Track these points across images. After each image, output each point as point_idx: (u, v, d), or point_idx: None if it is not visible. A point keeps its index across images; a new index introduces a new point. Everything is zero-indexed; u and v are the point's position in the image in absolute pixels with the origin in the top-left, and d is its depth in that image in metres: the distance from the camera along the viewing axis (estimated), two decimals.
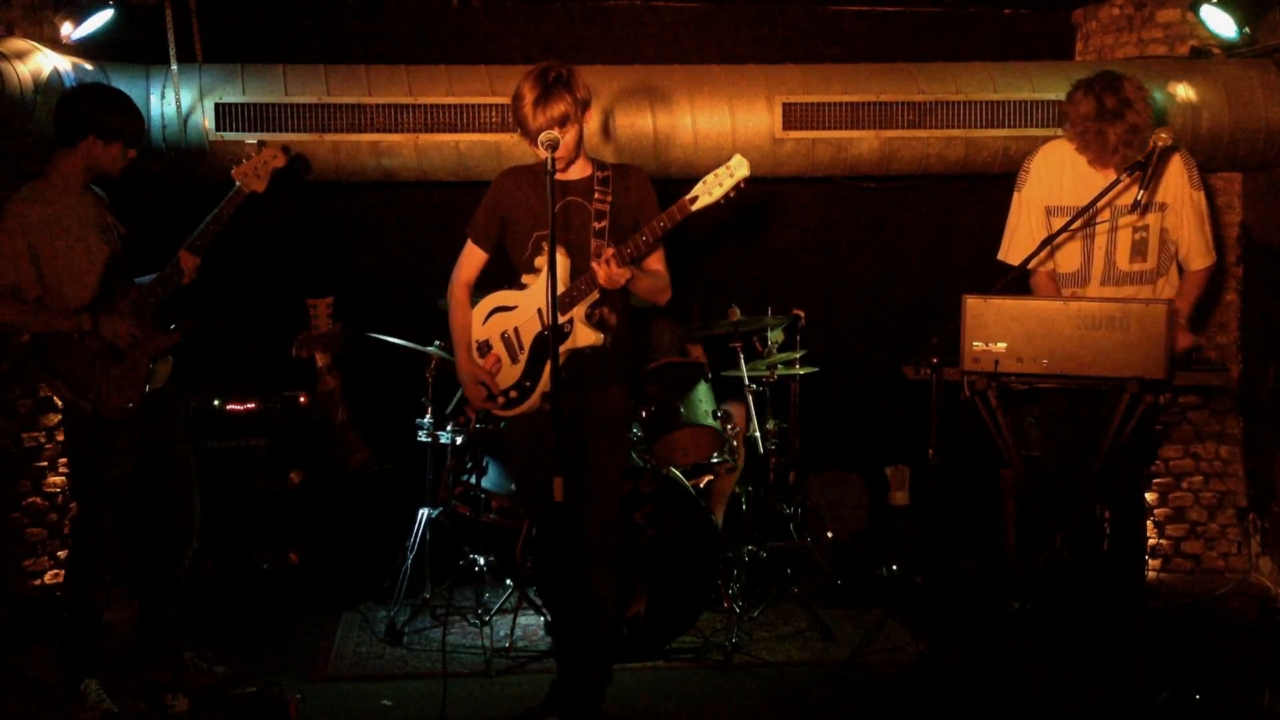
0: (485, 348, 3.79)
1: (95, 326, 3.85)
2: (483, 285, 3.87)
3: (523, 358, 3.73)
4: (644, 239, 3.58)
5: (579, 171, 3.72)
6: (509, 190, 3.76)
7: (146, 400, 3.98)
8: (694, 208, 3.57)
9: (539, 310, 3.67)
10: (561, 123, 3.53)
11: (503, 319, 3.76)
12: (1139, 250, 4.09)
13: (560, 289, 3.55)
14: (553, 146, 3.42)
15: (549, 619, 4.61)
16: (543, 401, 3.68)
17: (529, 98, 3.54)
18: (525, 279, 3.74)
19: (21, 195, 3.88)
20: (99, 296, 3.91)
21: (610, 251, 3.54)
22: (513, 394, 3.74)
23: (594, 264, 3.56)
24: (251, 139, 4.88)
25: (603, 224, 3.66)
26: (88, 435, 3.94)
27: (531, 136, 3.56)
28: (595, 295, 3.64)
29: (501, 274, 3.86)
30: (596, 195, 3.68)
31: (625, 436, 3.93)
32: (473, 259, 3.82)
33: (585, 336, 3.66)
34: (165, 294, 4.01)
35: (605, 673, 3.83)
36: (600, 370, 3.72)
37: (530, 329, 3.71)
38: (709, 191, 3.58)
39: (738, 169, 3.58)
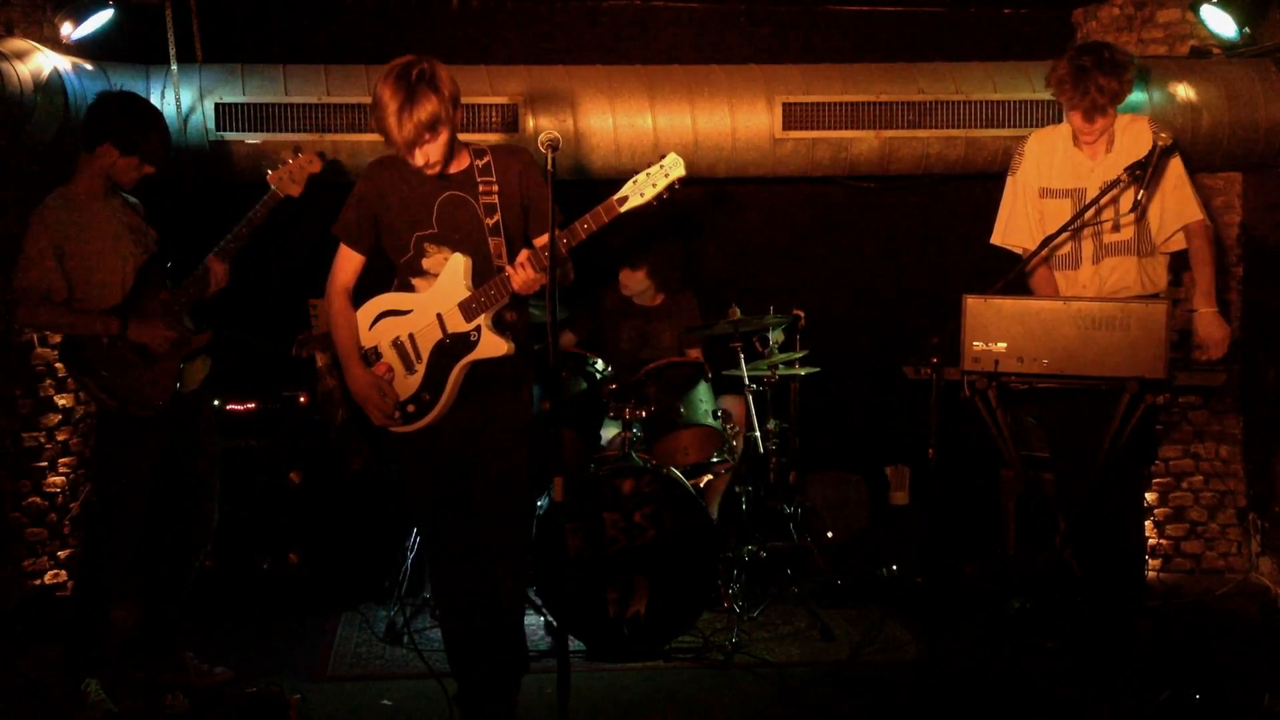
0: (374, 355, 3.50)
1: (124, 330, 3.88)
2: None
3: (420, 368, 3.46)
4: (565, 241, 3.28)
5: (456, 164, 3.43)
6: (379, 187, 3.46)
7: (177, 401, 4.01)
8: (622, 209, 3.28)
9: (439, 316, 3.42)
10: (431, 127, 3.22)
11: (393, 324, 3.49)
12: (1116, 225, 4.12)
13: (464, 294, 3.40)
14: (554, 146, 3.22)
15: (549, 619, 4.62)
16: (446, 414, 3.46)
17: (391, 105, 3.18)
18: (415, 282, 3.48)
19: (48, 201, 3.94)
20: (130, 299, 3.94)
21: (526, 255, 3.29)
22: (410, 408, 3.48)
23: (508, 269, 3.33)
24: (252, 139, 4.90)
25: (494, 218, 3.39)
26: (115, 431, 3.98)
27: (401, 148, 3.26)
28: (505, 301, 3.40)
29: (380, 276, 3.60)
30: (481, 187, 3.39)
31: (528, 442, 3.61)
32: (348, 262, 3.52)
33: (494, 346, 3.41)
34: (196, 297, 4.05)
35: (515, 683, 3.68)
36: (504, 375, 3.50)
37: (429, 336, 3.45)
38: (640, 192, 3.27)
39: (673, 168, 3.27)
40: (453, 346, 3.45)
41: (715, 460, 4.97)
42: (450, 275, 3.43)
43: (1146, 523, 5.51)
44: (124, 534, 3.99)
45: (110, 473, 4.04)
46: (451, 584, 3.64)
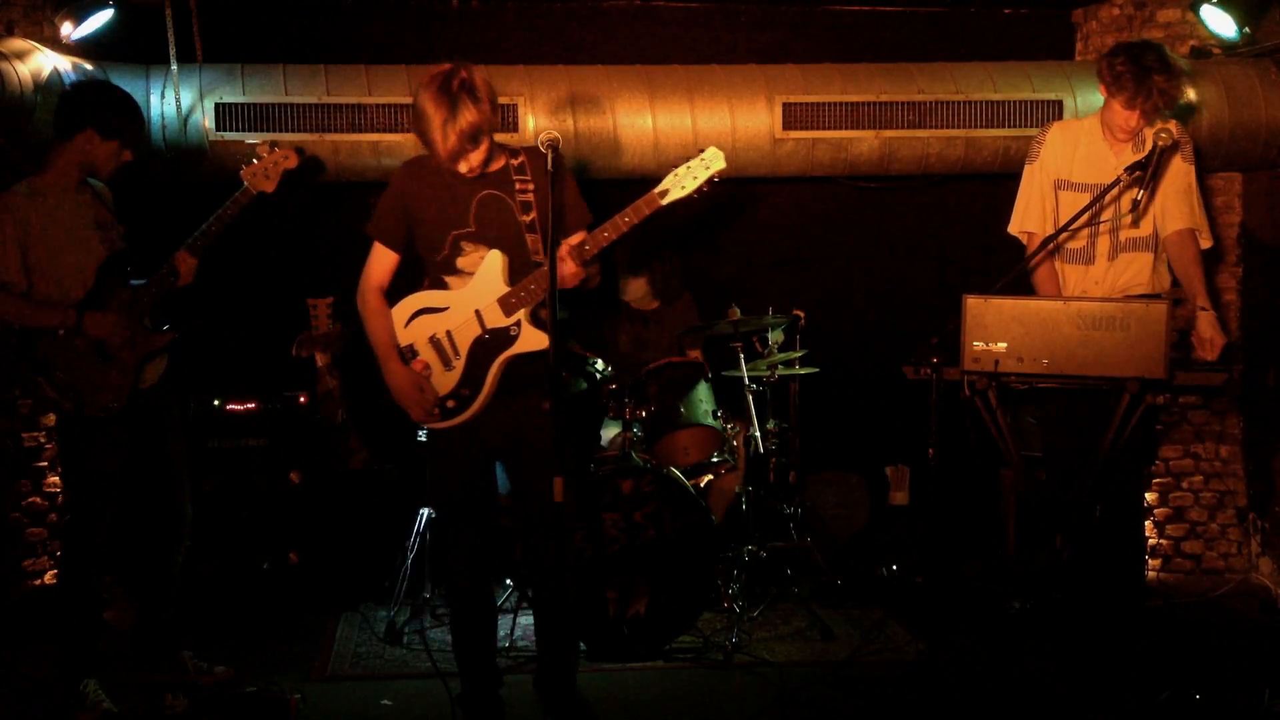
0: (410, 353, 3.53)
1: (79, 324, 3.84)
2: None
3: (458, 364, 3.50)
4: (605, 235, 3.34)
5: (493, 164, 3.47)
6: (414, 186, 3.51)
7: (136, 399, 3.98)
8: (664, 201, 3.34)
9: (478, 312, 3.46)
10: (474, 138, 3.27)
11: (429, 321, 3.52)
12: (1136, 221, 4.11)
13: (503, 290, 3.43)
14: (553, 146, 3.28)
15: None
16: (485, 409, 3.50)
17: (436, 119, 3.23)
18: (448, 280, 3.52)
19: (15, 189, 3.88)
20: (91, 295, 3.90)
21: (567, 248, 3.35)
22: (450, 403, 3.51)
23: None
24: (252, 139, 4.89)
25: (530, 216, 3.43)
26: (74, 433, 3.94)
27: (445, 159, 3.32)
28: (544, 295, 3.39)
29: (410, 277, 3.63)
30: (517, 185, 3.43)
31: (566, 431, 3.64)
32: (383, 262, 3.56)
33: (534, 340, 3.45)
34: (160, 294, 4.00)
35: (574, 657, 3.77)
36: (539, 371, 3.46)
37: (468, 333, 3.49)
38: (681, 185, 3.33)
39: (713, 161, 3.33)
40: (492, 341, 3.48)
41: (715, 460, 4.96)
42: (487, 272, 3.46)
43: (1146, 523, 5.51)
44: (95, 534, 3.95)
45: (75, 475, 4.00)
46: (466, 580, 3.67)
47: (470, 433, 3.54)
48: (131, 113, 4.01)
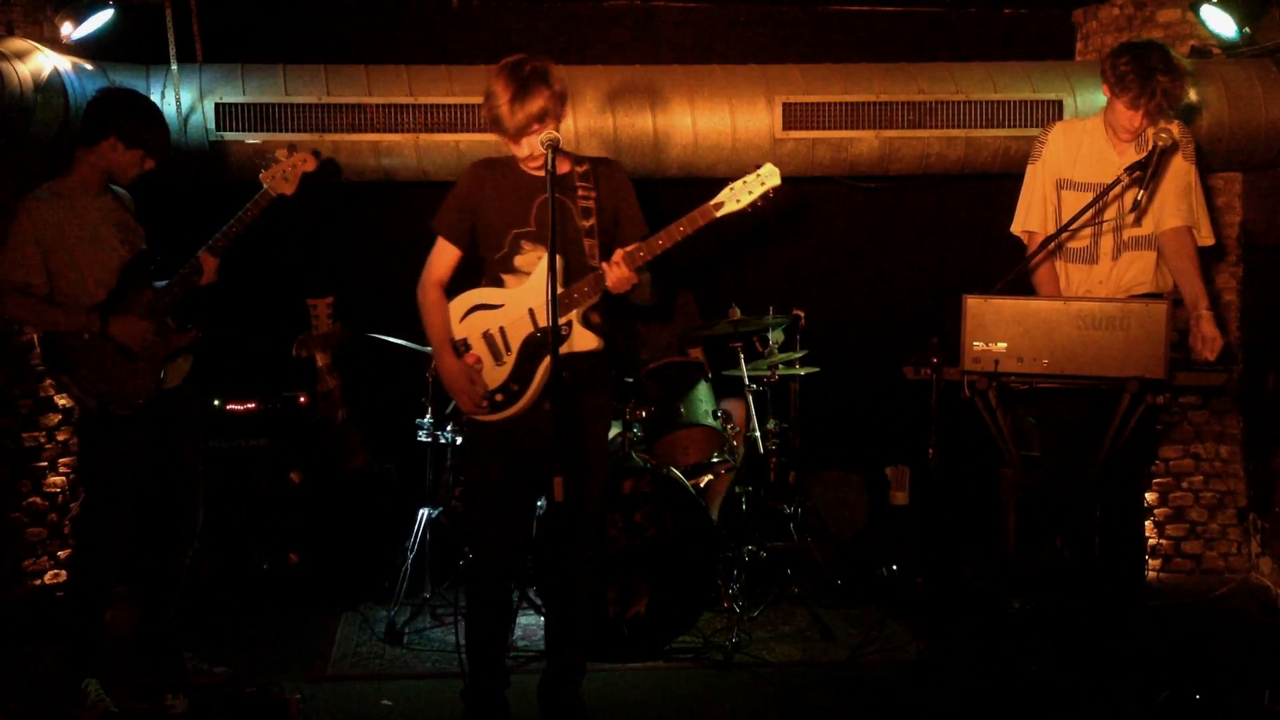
0: (463, 346, 3.61)
1: (104, 327, 3.86)
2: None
3: (509, 359, 3.57)
4: (660, 242, 3.42)
5: (558, 167, 3.53)
6: (481, 184, 3.61)
7: (158, 399, 4.00)
8: (718, 214, 3.43)
9: (531, 310, 3.53)
10: (540, 118, 3.39)
11: (484, 317, 3.60)
12: (1136, 220, 4.11)
13: (558, 290, 3.46)
14: (553, 146, 3.34)
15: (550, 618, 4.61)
16: (531, 406, 3.56)
17: (504, 96, 3.39)
18: (505, 278, 3.59)
19: (37, 192, 3.91)
20: (114, 297, 3.92)
21: (621, 254, 3.42)
22: (498, 397, 3.58)
23: (604, 266, 3.44)
24: (253, 139, 4.90)
25: (590, 221, 3.53)
26: (96, 432, 3.95)
27: (511, 135, 3.44)
28: (596, 298, 3.51)
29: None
30: (580, 191, 3.54)
31: (606, 444, 3.81)
32: (445, 257, 3.64)
33: (584, 340, 3.53)
34: (183, 294, 4.03)
35: (583, 664, 3.80)
36: (592, 375, 3.61)
37: (520, 329, 3.56)
38: (736, 199, 3.42)
39: (769, 178, 3.42)
40: (543, 340, 3.52)
41: (715, 460, 4.96)
42: (544, 272, 3.48)
43: (1146, 523, 5.51)
44: (112, 533, 3.96)
45: (94, 473, 4.02)
46: (491, 575, 3.69)
47: (512, 431, 3.59)
48: (156, 122, 4.03)
